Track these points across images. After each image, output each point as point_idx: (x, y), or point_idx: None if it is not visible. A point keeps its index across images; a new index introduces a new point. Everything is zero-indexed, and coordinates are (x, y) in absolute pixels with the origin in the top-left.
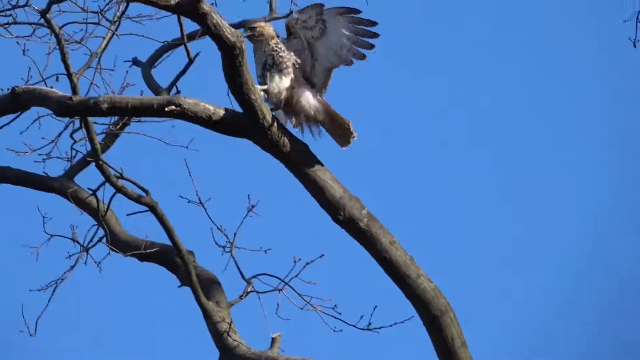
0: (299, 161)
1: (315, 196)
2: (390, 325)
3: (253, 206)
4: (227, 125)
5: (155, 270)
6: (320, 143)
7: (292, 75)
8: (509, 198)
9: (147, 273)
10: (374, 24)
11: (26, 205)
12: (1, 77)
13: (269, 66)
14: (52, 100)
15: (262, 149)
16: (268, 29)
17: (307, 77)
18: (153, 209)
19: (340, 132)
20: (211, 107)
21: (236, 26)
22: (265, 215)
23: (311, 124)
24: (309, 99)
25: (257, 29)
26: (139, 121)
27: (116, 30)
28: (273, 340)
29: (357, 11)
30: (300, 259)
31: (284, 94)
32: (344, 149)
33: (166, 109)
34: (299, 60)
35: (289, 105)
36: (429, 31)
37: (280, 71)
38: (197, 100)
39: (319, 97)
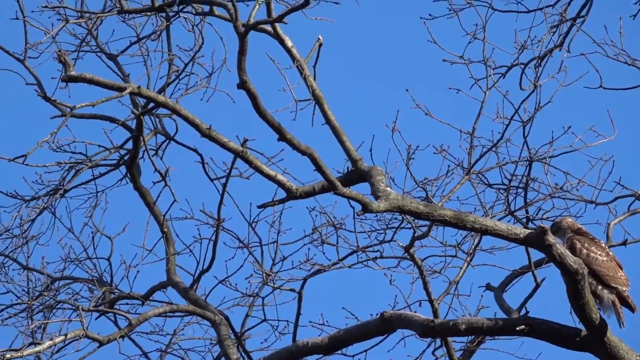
0: None
1: None
2: None
3: None
4: (572, 341)
5: None
6: None
7: None
8: None
9: None
10: None
11: None
12: (371, 303)
13: None
14: (416, 324)
15: None
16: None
17: None
18: None
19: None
20: (556, 326)
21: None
22: None
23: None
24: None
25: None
26: (493, 339)
27: (471, 260)
28: None
29: None
30: None
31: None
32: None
33: (517, 328)
34: None
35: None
36: None
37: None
38: (544, 320)
39: None
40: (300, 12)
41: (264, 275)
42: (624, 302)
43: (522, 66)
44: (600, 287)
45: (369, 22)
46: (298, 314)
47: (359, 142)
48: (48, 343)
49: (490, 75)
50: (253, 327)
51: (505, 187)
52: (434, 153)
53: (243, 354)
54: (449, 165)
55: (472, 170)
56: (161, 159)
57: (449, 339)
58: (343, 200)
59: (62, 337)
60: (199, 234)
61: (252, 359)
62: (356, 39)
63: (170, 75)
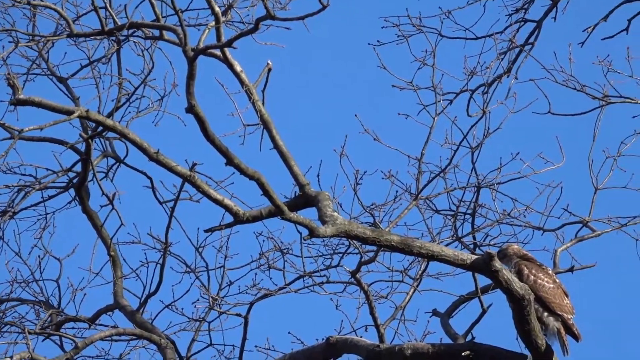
0: None
1: None
2: None
3: None
4: None
5: None
6: None
7: None
8: None
9: None
10: None
11: None
12: (317, 328)
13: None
14: (362, 348)
15: None
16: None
17: None
18: None
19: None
20: (502, 352)
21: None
22: None
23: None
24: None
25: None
26: None
27: (418, 286)
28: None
29: None
30: None
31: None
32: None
33: (463, 354)
34: None
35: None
36: None
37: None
38: (490, 345)
39: None
40: (250, 37)
41: (211, 299)
42: (569, 330)
43: (470, 92)
44: (546, 314)
45: (319, 47)
46: (244, 338)
47: (307, 167)
48: None
49: (439, 101)
50: (199, 351)
51: (452, 213)
52: (382, 178)
53: None
54: (396, 191)
55: (419, 195)
56: (111, 181)
57: None
58: (290, 225)
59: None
60: (146, 258)
61: None
62: (306, 64)
63: (119, 98)
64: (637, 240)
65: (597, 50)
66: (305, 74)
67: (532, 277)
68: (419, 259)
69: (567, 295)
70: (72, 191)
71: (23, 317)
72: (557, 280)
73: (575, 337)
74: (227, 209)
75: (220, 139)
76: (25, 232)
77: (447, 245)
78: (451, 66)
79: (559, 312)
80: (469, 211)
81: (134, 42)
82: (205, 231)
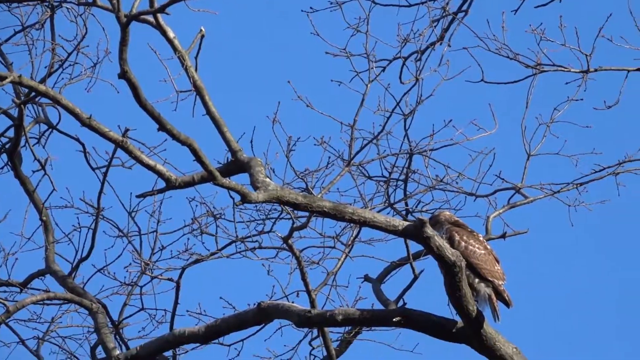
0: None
1: None
2: None
3: None
4: (448, 333)
5: None
6: None
7: None
8: None
9: None
10: None
11: None
12: (249, 293)
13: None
14: (293, 314)
15: (478, 352)
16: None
17: None
18: None
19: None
20: (433, 318)
21: None
22: None
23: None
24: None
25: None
26: (370, 330)
27: (349, 252)
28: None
29: None
30: None
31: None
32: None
33: (394, 320)
34: None
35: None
36: None
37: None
38: (421, 311)
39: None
40: (183, 3)
41: (143, 264)
42: (500, 296)
43: (403, 59)
44: (477, 280)
45: (252, 14)
46: (176, 303)
47: (240, 133)
48: None
49: (372, 68)
50: (130, 315)
51: (385, 179)
52: (315, 145)
53: (120, 342)
54: (329, 157)
55: (352, 162)
56: (44, 147)
57: (326, 329)
58: (223, 190)
59: None
60: (78, 223)
61: (129, 347)
62: (239, 31)
63: (52, 64)
64: (569, 206)
65: (530, 18)
66: (238, 40)
67: (463, 243)
68: (351, 225)
69: (498, 262)
70: (4, 156)
71: None
72: (488, 247)
73: (506, 303)
74: (160, 174)
75: (153, 105)
76: None
77: (379, 211)
78: (384, 33)
79: (490, 278)
80: (402, 177)
81: (67, 8)
82: (138, 196)
